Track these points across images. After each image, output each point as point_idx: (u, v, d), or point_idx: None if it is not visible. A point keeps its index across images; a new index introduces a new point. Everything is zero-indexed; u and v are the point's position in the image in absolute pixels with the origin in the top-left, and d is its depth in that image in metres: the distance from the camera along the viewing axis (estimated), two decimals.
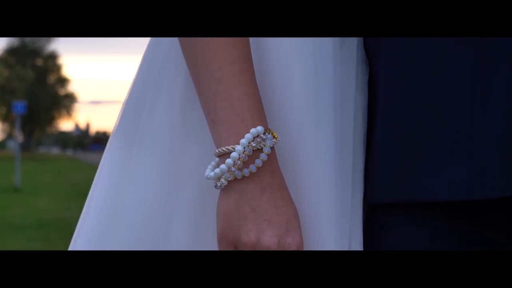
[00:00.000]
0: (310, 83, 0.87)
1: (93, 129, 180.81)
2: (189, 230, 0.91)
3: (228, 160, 0.82)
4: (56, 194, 14.06)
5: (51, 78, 68.23)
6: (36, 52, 67.56)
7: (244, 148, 0.82)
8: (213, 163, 0.86)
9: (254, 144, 0.82)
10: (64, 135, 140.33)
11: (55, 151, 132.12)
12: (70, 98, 68.54)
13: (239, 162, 0.82)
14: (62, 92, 68.31)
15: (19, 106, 14.52)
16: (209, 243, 0.89)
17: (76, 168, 30.94)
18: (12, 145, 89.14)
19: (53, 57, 68.65)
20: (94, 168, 29.28)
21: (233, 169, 0.82)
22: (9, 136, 71.47)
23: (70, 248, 0.96)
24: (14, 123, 65.47)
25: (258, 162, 0.83)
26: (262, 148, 0.83)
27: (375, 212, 0.93)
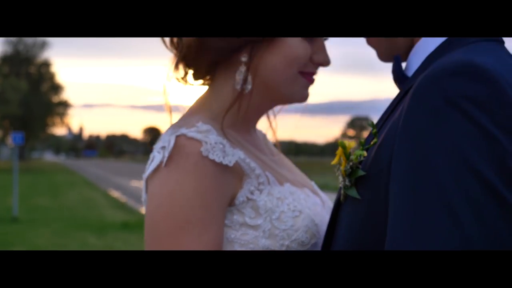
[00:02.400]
0: None
1: (86, 133, 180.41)
2: None
3: None
4: (53, 223, 14.32)
5: (45, 86, 68.23)
6: (29, 60, 67.56)
7: None
8: None
9: None
10: (57, 139, 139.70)
11: (48, 156, 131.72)
12: (64, 106, 68.59)
13: None
14: (55, 99, 68.36)
15: (17, 137, 14.77)
16: None
17: (71, 183, 31.18)
18: (5, 153, 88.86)
19: (46, 65, 68.68)
20: (88, 183, 28.96)
21: None
22: (1, 141, 71.38)
23: None
24: (7, 130, 65.43)
25: None
26: None
27: None
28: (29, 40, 67.10)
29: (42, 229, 13.47)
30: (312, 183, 1.52)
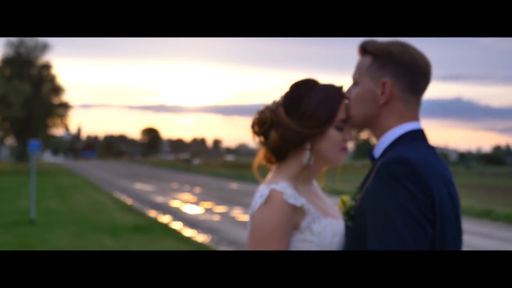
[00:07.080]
0: None
1: (84, 133, 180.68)
2: None
3: None
4: (68, 226, 15.11)
5: (46, 88, 69.07)
6: (30, 62, 68.44)
7: None
8: None
9: None
10: (56, 140, 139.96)
11: (47, 157, 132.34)
12: (64, 107, 69.45)
13: None
14: (56, 101, 69.24)
15: (34, 145, 15.65)
16: None
17: (77, 186, 32.13)
18: (5, 153, 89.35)
19: (47, 67, 69.56)
20: (93, 186, 29.12)
21: None
22: (1, 142, 72.17)
23: None
24: (8, 131, 66.26)
25: None
26: None
27: None
28: (31, 42, 68.00)
29: (59, 231, 14.26)
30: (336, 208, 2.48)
